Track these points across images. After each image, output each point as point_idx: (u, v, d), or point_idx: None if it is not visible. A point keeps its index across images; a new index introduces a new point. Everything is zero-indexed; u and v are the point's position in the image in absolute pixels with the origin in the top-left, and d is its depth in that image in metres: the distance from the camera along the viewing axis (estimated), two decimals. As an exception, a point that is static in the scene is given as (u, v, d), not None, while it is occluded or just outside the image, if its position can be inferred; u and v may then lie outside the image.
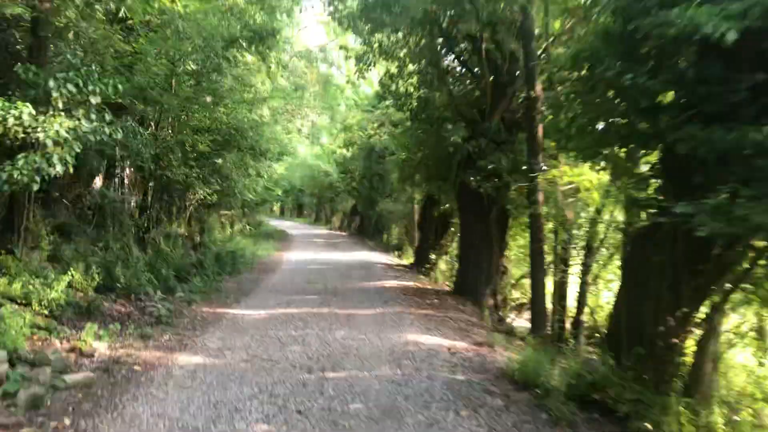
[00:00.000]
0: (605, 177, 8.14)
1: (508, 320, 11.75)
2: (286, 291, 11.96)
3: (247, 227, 23.04)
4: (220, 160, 15.85)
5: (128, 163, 14.54)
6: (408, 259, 20.05)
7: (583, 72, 6.38)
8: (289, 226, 45.25)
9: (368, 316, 9.59)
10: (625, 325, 6.22)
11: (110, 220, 13.05)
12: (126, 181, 15.42)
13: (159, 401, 5.29)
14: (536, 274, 9.94)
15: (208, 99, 15.37)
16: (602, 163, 7.31)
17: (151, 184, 14.68)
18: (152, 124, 14.24)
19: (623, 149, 6.19)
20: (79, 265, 9.33)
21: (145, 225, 13.30)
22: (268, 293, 11.68)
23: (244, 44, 14.87)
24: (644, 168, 7.11)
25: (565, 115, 6.37)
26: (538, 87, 9.85)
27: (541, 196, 9.44)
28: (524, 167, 10.55)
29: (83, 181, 13.55)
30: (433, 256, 17.04)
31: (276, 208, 72.06)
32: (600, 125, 6.42)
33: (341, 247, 25.61)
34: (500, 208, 11.45)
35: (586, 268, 12.15)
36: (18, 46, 9.03)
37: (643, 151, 6.00)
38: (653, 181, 6.57)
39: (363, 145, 30.91)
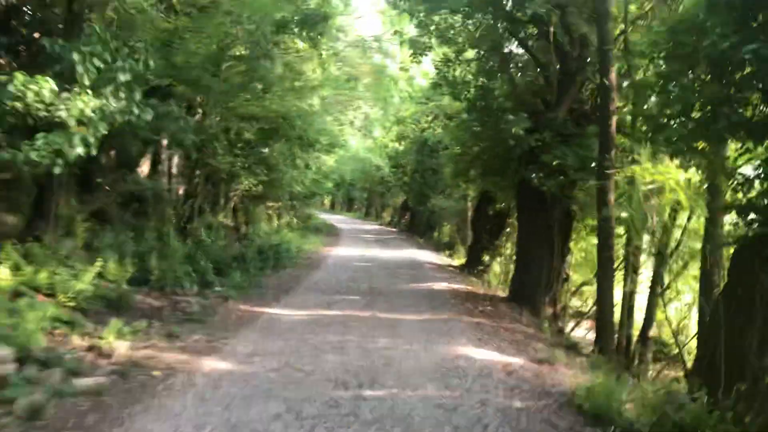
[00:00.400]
0: (694, 176, 7.04)
1: (568, 331, 10.71)
2: (329, 290, 11.29)
3: (295, 220, 22.59)
4: (266, 150, 15.34)
5: (175, 150, 14.21)
6: (459, 260, 19.11)
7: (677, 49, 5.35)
8: (338, 220, 44.93)
9: (414, 322, 8.78)
10: (721, 354, 5.17)
11: (152, 208, 12.72)
12: (174, 169, 15.12)
13: (173, 417, 4.63)
14: (604, 284, 8.88)
15: (258, 86, 14.89)
16: (694, 160, 6.26)
17: (197, 172, 14.31)
18: (199, 110, 13.83)
19: (730, 141, 5.13)
20: (113, 254, 8.90)
21: (188, 215, 12.90)
22: (309, 292, 11.03)
23: (295, 29, 14.28)
24: (747, 168, 6.03)
25: (655, 100, 5.35)
26: (612, 75, 8.75)
27: (612, 197, 8.38)
28: (594, 164, 9.49)
29: (128, 168, 13.28)
30: (486, 258, 16.06)
31: (327, 201, 72.28)
32: (697, 113, 5.39)
33: (390, 243, 24.88)
34: (563, 209, 10.41)
35: (656, 278, 10.97)
36: (57, 24, 8.60)
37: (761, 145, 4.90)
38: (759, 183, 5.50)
39: (415, 138, 30.06)
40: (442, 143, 25.33)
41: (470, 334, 8.23)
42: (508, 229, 16.44)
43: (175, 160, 14.60)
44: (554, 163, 9.43)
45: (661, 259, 10.68)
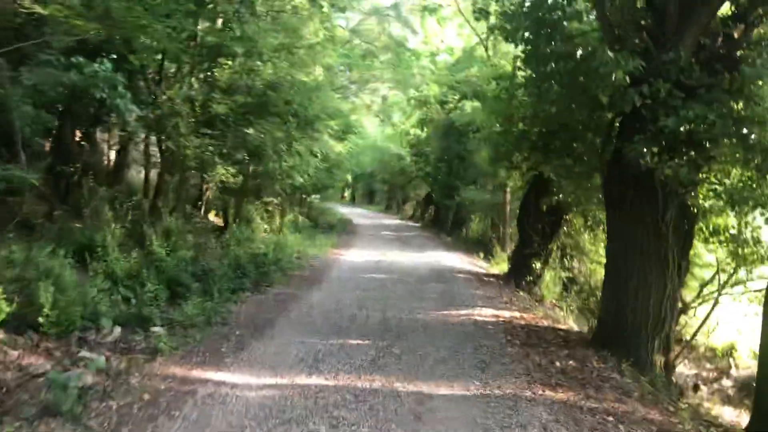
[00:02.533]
0: None
1: (695, 400, 6.99)
2: (324, 327, 7.71)
3: (301, 218, 18.99)
4: (251, 130, 11.79)
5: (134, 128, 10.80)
6: (498, 265, 15.37)
7: None
8: (357, 214, 41.36)
9: (456, 403, 5.15)
10: None
11: (86, 206, 9.31)
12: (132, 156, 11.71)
13: None
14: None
15: (239, 50, 11.41)
16: None
17: (154, 160, 10.88)
18: (151, 76, 10.37)
19: None
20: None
21: (134, 215, 9.46)
22: (293, 330, 7.46)
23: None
24: None
25: None
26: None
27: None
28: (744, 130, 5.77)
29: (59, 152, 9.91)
30: (536, 265, 12.31)
31: (347, 194, 68.64)
32: None
33: (412, 243, 21.21)
34: (681, 205, 6.67)
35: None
36: None
37: None
38: None
39: (440, 122, 26.24)
40: (472, 124, 21.55)
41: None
42: (564, 228, 12.66)
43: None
44: (681, 129, 5.70)
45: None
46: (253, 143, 11.81)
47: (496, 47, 20.80)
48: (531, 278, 12.26)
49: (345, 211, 41.17)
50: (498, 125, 12.59)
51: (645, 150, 5.87)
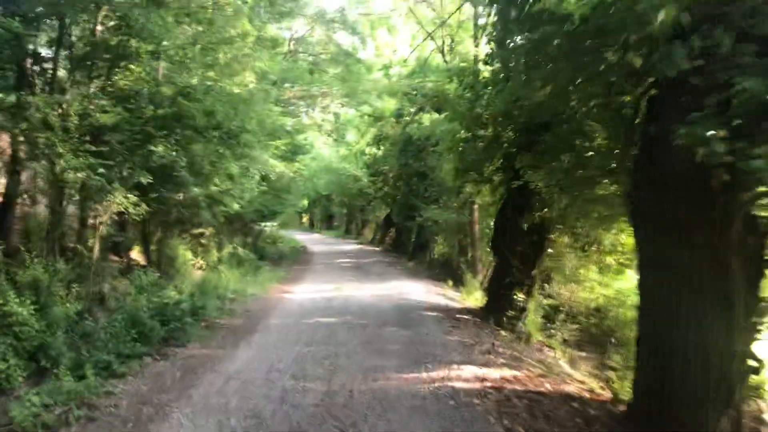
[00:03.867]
0: None
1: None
2: (237, 416, 5.30)
3: (240, 250, 16.40)
4: (159, 148, 9.37)
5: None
6: (471, 295, 13.17)
7: None
8: (315, 240, 38.91)
9: None
10: None
11: None
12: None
13: None
14: None
15: (133, 44, 9.14)
16: None
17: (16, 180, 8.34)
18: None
19: None
20: None
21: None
22: (192, 425, 5.04)
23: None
24: None
25: None
26: None
27: None
28: None
29: None
30: (519, 296, 10.16)
31: (305, 219, 65.81)
32: None
33: (372, 271, 18.90)
34: (750, 218, 4.60)
35: None
36: None
37: None
38: None
39: (396, 138, 24.20)
40: (431, 138, 19.56)
41: None
42: (550, 250, 10.58)
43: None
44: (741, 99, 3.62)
45: None
46: (161, 163, 9.38)
47: (454, 50, 18.92)
48: (513, 312, 10.08)
49: (302, 237, 38.63)
50: (462, 132, 10.51)
51: (709, 134, 3.76)
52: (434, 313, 10.78)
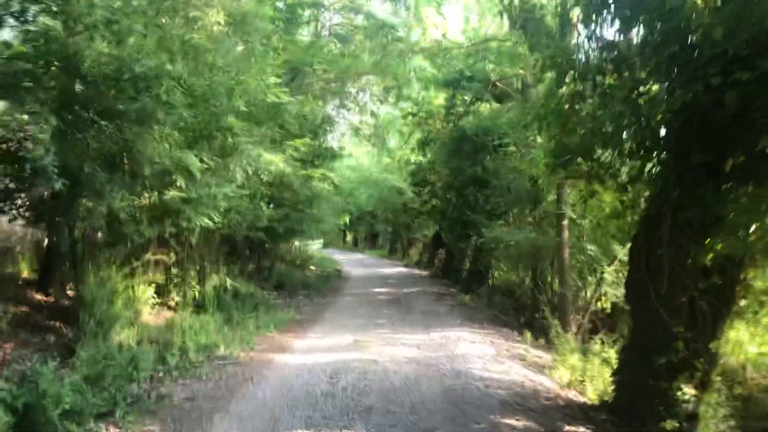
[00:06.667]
0: None
1: None
2: None
3: (228, 283, 11.86)
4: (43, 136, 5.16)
5: None
6: (572, 368, 8.24)
7: None
8: (354, 261, 34.45)
9: None
10: None
11: None
12: None
13: None
14: None
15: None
16: None
17: None
18: None
19: None
20: None
21: None
22: None
23: None
24: None
25: None
26: None
27: None
28: None
29: None
30: (685, 392, 5.32)
31: (349, 237, 61.38)
32: None
33: (415, 307, 14.24)
34: None
35: None
36: None
37: None
38: None
39: (445, 137, 19.46)
40: (493, 133, 14.88)
41: None
42: (743, 303, 5.70)
43: None
44: None
45: None
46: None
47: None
48: (677, 422, 5.26)
49: (341, 258, 34.22)
50: (570, 82, 5.84)
51: None
52: (522, 423, 5.95)
